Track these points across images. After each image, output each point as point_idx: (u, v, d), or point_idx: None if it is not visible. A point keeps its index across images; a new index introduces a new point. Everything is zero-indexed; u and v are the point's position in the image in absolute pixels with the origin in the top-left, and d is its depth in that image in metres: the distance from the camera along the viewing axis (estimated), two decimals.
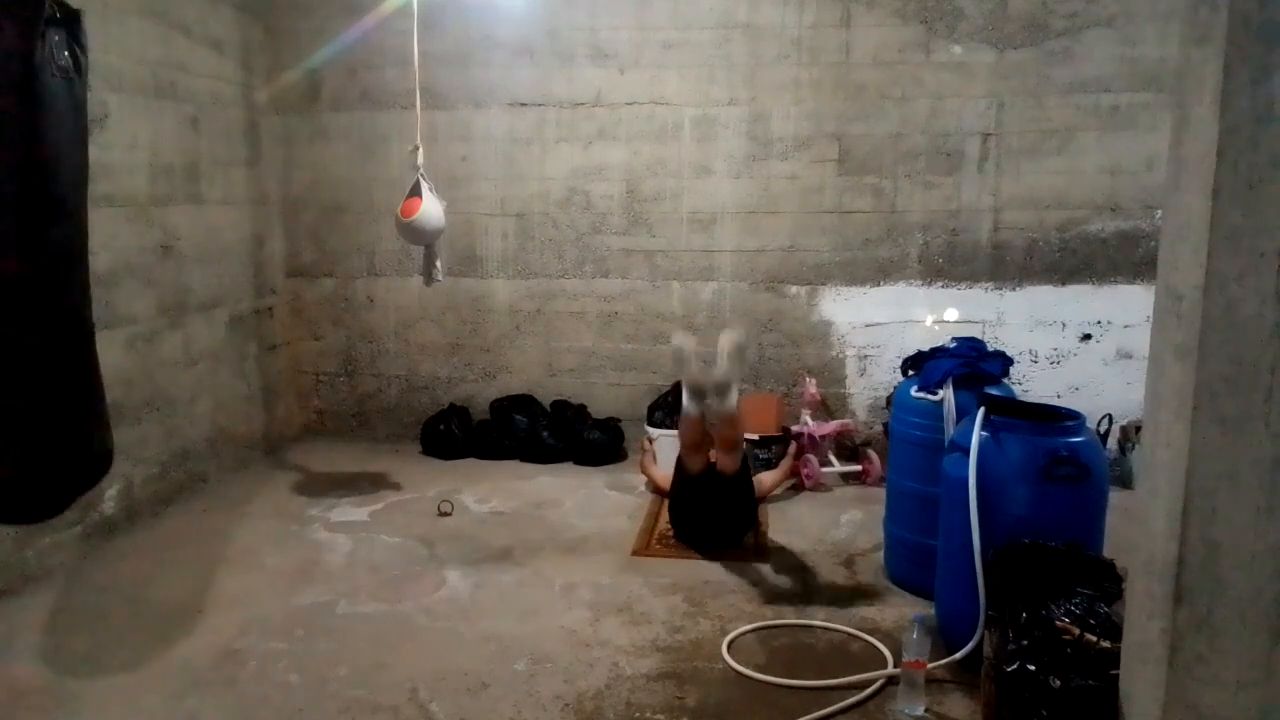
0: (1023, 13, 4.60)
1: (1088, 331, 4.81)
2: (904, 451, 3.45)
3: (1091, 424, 3.72)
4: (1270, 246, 1.55)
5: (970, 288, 4.85)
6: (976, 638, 2.67)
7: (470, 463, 4.98)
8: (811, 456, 4.59)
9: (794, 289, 4.97)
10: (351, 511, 4.22)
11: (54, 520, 3.47)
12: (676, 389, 4.92)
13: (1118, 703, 1.99)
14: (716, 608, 3.25)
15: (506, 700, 2.66)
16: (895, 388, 3.90)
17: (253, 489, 4.53)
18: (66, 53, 2.13)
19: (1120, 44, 4.56)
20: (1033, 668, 2.18)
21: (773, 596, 3.35)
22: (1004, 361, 3.55)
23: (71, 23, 2.16)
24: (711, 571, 3.56)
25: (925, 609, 3.10)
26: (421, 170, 4.06)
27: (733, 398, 3.67)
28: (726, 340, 3.73)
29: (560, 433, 5.01)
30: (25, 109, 2.06)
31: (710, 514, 3.78)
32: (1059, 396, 4.69)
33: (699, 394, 3.69)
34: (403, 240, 4.39)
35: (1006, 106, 4.68)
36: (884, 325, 4.93)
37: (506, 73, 5.00)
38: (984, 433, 2.80)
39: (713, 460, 3.80)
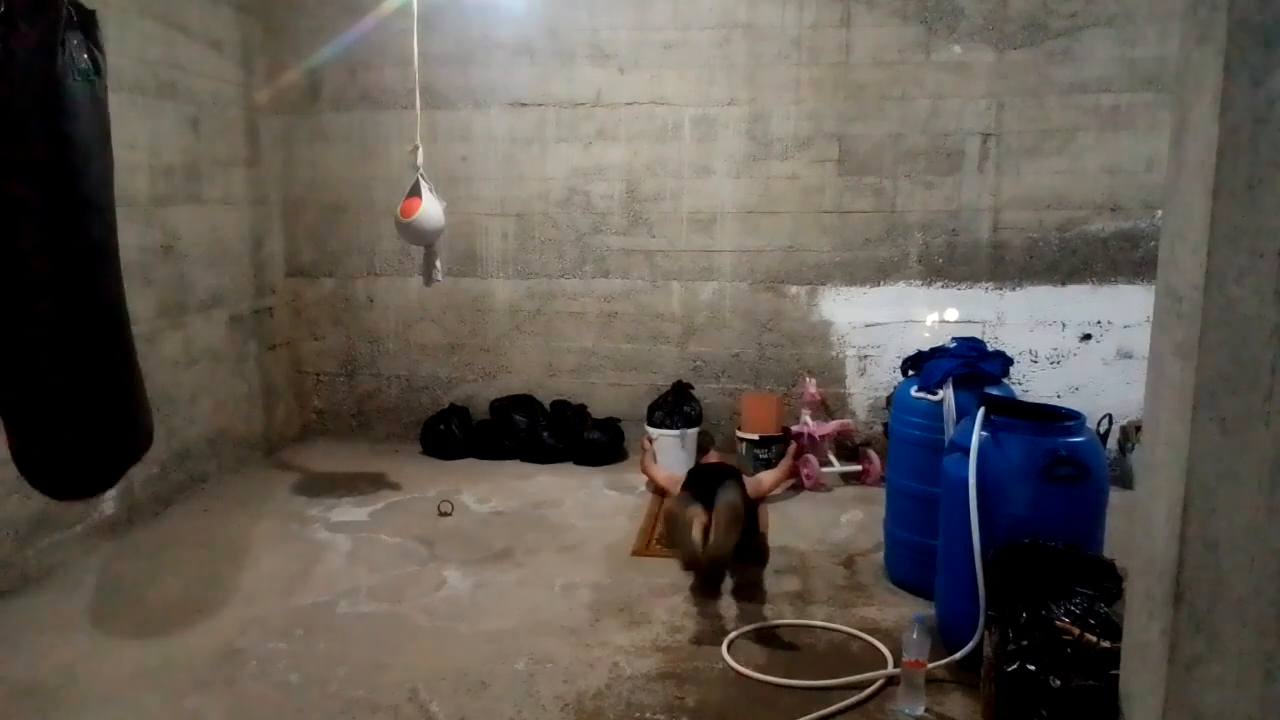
0: (1023, 13, 4.60)
1: (1088, 331, 4.80)
2: (904, 451, 3.45)
3: (1091, 424, 3.72)
4: (1270, 246, 1.55)
5: (970, 288, 4.85)
6: (976, 638, 2.67)
7: (470, 463, 4.98)
8: (811, 456, 4.59)
9: (794, 289, 4.97)
10: (351, 511, 4.22)
11: (61, 518, 3.52)
12: (676, 388, 4.94)
13: (1118, 703, 1.99)
14: (716, 608, 3.25)
15: (506, 700, 2.66)
16: (895, 388, 3.90)
17: (253, 489, 4.53)
18: (85, 55, 2.17)
19: (1120, 44, 4.56)
20: (1033, 668, 2.18)
21: (773, 596, 3.35)
22: (1004, 361, 3.55)
23: (88, 24, 2.20)
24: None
25: (925, 609, 3.10)
26: (421, 170, 4.06)
27: (727, 561, 3.31)
28: (722, 506, 3.35)
29: (560, 433, 5.01)
30: (51, 115, 2.09)
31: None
32: (1059, 396, 4.69)
33: (692, 567, 3.32)
34: (403, 240, 4.39)
35: (1006, 106, 4.68)
36: (884, 325, 4.93)
37: (506, 73, 5.01)
38: (984, 433, 2.80)
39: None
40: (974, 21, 4.64)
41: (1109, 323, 4.78)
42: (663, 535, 3.78)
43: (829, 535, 3.97)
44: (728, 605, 3.27)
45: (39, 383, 2.22)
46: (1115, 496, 2.85)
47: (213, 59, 4.59)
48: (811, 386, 4.79)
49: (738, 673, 2.81)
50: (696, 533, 3.25)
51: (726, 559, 3.30)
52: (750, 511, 3.84)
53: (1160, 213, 3.39)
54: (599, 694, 2.70)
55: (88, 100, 2.17)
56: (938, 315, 4.87)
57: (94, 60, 2.19)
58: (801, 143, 4.84)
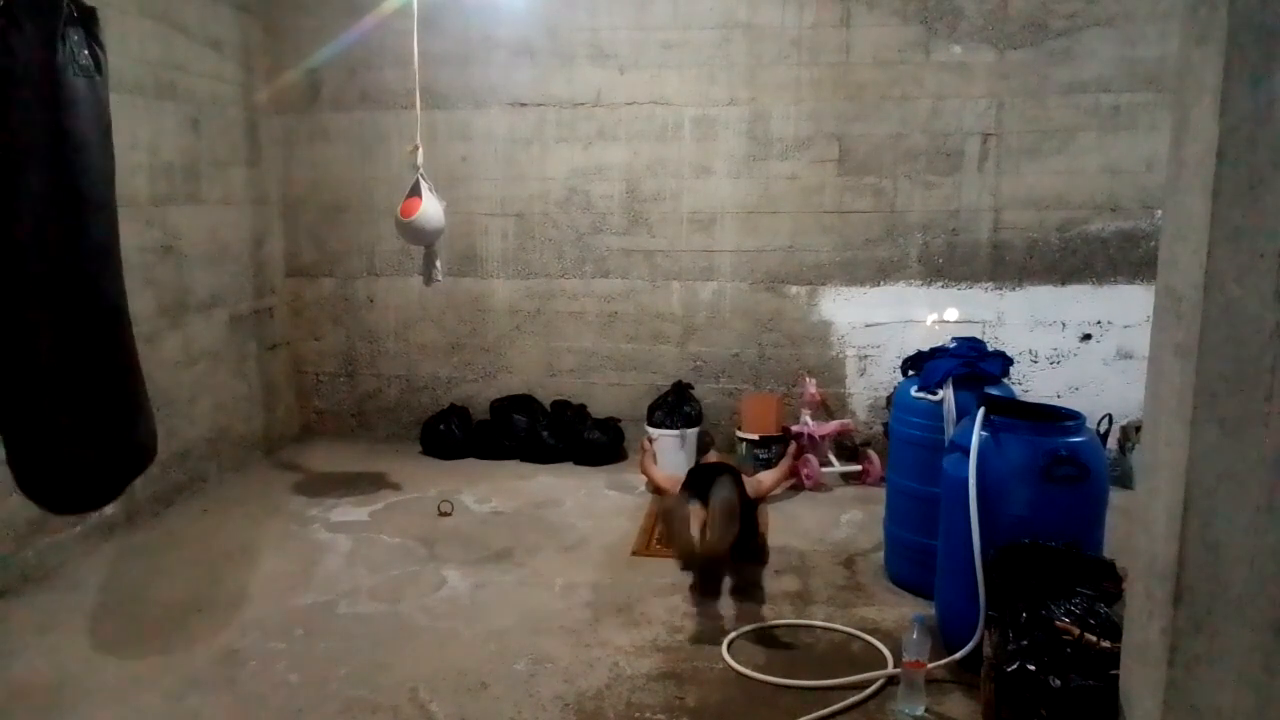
0: (1023, 13, 4.60)
1: (1088, 331, 4.80)
2: (904, 451, 3.45)
3: (1091, 424, 3.72)
4: (1270, 246, 1.55)
5: (970, 288, 4.85)
6: (976, 638, 2.67)
7: (470, 463, 4.98)
8: (811, 456, 4.59)
9: (794, 289, 4.97)
10: (351, 511, 4.22)
11: (57, 518, 3.51)
12: (676, 388, 4.94)
13: (1118, 703, 1.99)
14: (716, 608, 3.25)
15: (506, 700, 2.66)
16: (895, 388, 3.90)
17: (253, 489, 4.53)
18: (86, 51, 2.17)
19: (1120, 44, 4.55)
20: (1033, 668, 2.18)
21: (773, 596, 3.35)
22: (1004, 361, 3.55)
23: (89, 20, 2.20)
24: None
25: (925, 609, 3.10)
26: (421, 170, 4.07)
27: (724, 557, 3.34)
28: (718, 502, 3.35)
29: (560, 433, 5.01)
30: (52, 110, 2.10)
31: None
32: (1059, 396, 4.69)
33: (689, 565, 3.46)
34: (403, 240, 4.39)
35: (1006, 106, 4.68)
36: (884, 325, 4.93)
37: (506, 73, 5.00)
38: (984, 433, 2.80)
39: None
40: (974, 21, 4.64)
41: (1109, 323, 4.78)
42: (661, 534, 3.80)
43: (829, 535, 3.97)
44: (728, 605, 3.27)
45: (36, 391, 2.17)
46: (1115, 496, 2.85)
47: (213, 59, 4.58)
48: (811, 386, 4.79)
49: (738, 673, 2.81)
50: (694, 529, 3.28)
51: (723, 555, 3.31)
52: (750, 511, 3.84)
53: (1160, 213, 3.39)
54: (599, 694, 2.70)
55: (89, 96, 2.17)
56: (938, 315, 4.87)
57: (95, 57, 2.20)
58: (801, 143, 4.84)
